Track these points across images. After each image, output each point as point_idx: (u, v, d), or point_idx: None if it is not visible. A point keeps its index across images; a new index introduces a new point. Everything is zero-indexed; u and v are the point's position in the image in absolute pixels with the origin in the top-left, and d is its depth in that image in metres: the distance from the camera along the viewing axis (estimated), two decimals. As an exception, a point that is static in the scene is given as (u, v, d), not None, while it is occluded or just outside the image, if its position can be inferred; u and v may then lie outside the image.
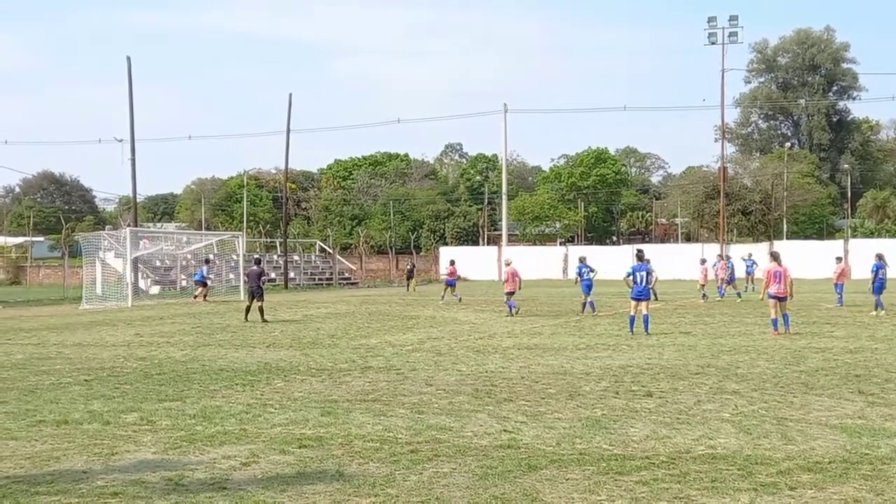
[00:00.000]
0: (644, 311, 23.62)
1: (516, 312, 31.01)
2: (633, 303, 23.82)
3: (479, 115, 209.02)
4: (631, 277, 23.87)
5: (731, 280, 41.19)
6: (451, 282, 41.09)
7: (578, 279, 32.59)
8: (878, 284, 29.96)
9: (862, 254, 68.38)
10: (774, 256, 24.30)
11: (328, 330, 26.45)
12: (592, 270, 32.69)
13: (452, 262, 42.83)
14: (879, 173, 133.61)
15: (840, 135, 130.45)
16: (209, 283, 47.38)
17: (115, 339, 24.25)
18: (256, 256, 37.25)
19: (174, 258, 57.08)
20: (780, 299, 23.36)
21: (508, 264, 33.26)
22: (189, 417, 12.16)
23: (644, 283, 23.64)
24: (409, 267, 61.32)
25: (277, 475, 9.04)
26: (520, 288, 32.10)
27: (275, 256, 68.30)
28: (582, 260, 33.02)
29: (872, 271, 30.40)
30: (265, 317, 29.87)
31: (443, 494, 8.25)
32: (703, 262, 41.60)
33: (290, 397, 13.79)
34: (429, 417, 11.90)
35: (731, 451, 9.74)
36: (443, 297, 40.16)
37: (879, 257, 30.75)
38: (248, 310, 30.54)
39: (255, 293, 30.42)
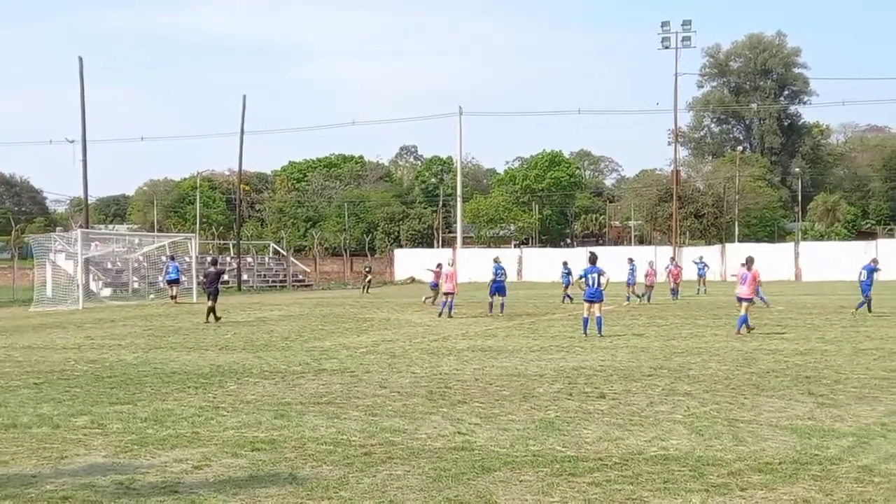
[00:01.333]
0: (597, 313, 23.70)
1: (448, 314, 31.21)
2: (587, 305, 23.89)
3: (434, 118, 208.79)
4: (583, 280, 23.94)
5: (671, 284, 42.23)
6: (435, 284, 39.95)
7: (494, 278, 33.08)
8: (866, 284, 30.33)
9: (812, 256, 69.35)
10: (747, 261, 24.79)
11: (282, 332, 26.32)
12: (571, 273, 34.53)
13: (439, 266, 41.58)
14: (829, 177, 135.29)
15: (791, 139, 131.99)
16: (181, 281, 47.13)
17: (66, 342, 23.97)
18: (214, 257, 37.14)
19: (126, 260, 56.51)
20: (741, 300, 23.95)
21: (451, 265, 33.46)
22: (140, 421, 12.04)
23: (596, 286, 23.66)
24: (366, 269, 61.31)
25: (230, 478, 8.98)
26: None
27: (228, 258, 67.86)
28: (496, 260, 33.53)
29: (866, 270, 30.69)
30: (216, 315, 30.43)
31: (396, 497, 8.23)
32: (651, 263, 41.96)
33: (243, 400, 13.71)
34: (383, 420, 11.88)
35: (683, 453, 9.80)
36: (433, 300, 38.62)
37: (875, 261, 31.19)
38: (209, 311, 30.73)
39: (212, 294, 30.91)
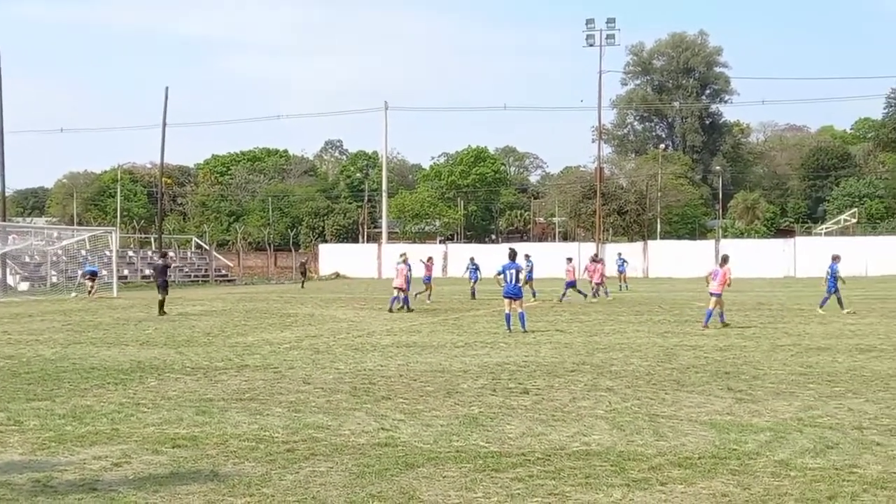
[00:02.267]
0: (518, 309, 23.85)
1: (399, 309, 31.65)
2: (507, 301, 24.01)
3: (359, 112, 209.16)
4: (502, 276, 24.06)
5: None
6: (428, 278, 39.34)
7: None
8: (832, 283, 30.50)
9: (732, 253, 70.36)
10: (722, 259, 26.45)
11: (204, 328, 26.06)
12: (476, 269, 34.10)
13: (430, 259, 40.94)
14: (749, 175, 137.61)
15: (712, 137, 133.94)
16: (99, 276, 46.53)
17: (-19, 337, 23.47)
18: (164, 251, 37.21)
19: (44, 254, 55.52)
20: (712, 295, 25.15)
21: (404, 261, 33.43)
22: (58, 417, 11.84)
23: (514, 282, 23.79)
24: (303, 261, 61.44)
25: (150, 475, 8.86)
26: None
27: (149, 253, 67.03)
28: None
29: (829, 270, 30.88)
30: (161, 311, 30.84)
31: (319, 493, 8.19)
32: (570, 260, 42.06)
33: (164, 396, 13.55)
34: (306, 416, 11.82)
35: (604, 448, 9.89)
36: (428, 296, 37.88)
37: (835, 258, 31.26)
38: (160, 304, 31.24)
39: (161, 286, 31.63)
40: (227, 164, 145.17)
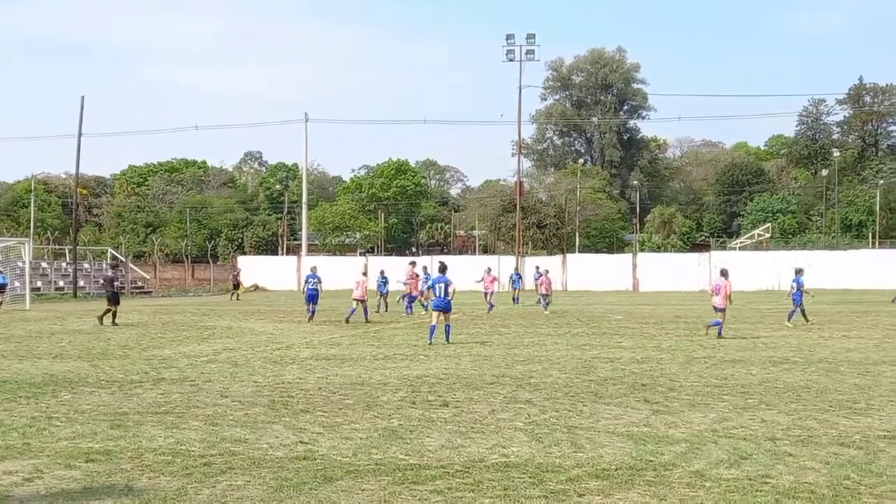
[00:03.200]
0: (445, 322, 24.17)
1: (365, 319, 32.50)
2: (435, 313, 24.34)
3: (279, 124, 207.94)
4: (431, 289, 24.46)
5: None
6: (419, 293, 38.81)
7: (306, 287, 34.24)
8: (798, 296, 30.81)
9: (649, 267, 71.36)
10: (722, 272, 27.02)
11: (119, 340, 25.64)
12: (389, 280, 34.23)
13: (425, 269, 40.63)
14: (666, 190, 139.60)
15: (630, 152, 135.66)
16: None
17: None
18: (114, 262, 36.98)
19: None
20: (716, 309, 26.12)
21: (364, 273, 34.30)
22: (-33, 432, 11.56)
23: (443, 295, 24.09)
24: (235, 273, 61.01)
25: (62, 490, 8.70)
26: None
27: (63, 264, 65.80)
28: (313, 270, 34.70)
29: (794, 284, 31.20)
30: (113, 321, 31.25)
31: (236, 508, 8.11)
32: (489, 270, 42.35)
33: (78, 410, 13.30)
34: (223, 429, 11.69)
35: (523, 460, 9.93)
36: (426, 308, 36.66)
37: (800, 271, 31.60)
38: (111, 314, 31.51)
39: (110, 298, 32.00)
40: (144, 174, 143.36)
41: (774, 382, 16.15)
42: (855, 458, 10.01)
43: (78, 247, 69.00)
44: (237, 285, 59.06)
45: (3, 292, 44.09)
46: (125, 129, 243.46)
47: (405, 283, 39.53)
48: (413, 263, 41.44)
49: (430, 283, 24.51)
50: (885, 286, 61.70)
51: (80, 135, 62.65)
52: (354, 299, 32.82)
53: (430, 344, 23.49)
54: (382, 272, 42.03)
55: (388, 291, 41.04)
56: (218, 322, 33.63)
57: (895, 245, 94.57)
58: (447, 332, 24.07)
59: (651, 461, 9.85)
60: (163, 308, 44.83)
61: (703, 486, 8.83)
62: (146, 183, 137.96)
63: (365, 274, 34.16)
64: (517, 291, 47.41)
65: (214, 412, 13.07)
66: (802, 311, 30.43)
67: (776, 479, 9.07)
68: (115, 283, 32.76)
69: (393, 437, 11.14)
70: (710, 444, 10.72)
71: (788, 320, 30.57)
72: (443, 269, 24.99)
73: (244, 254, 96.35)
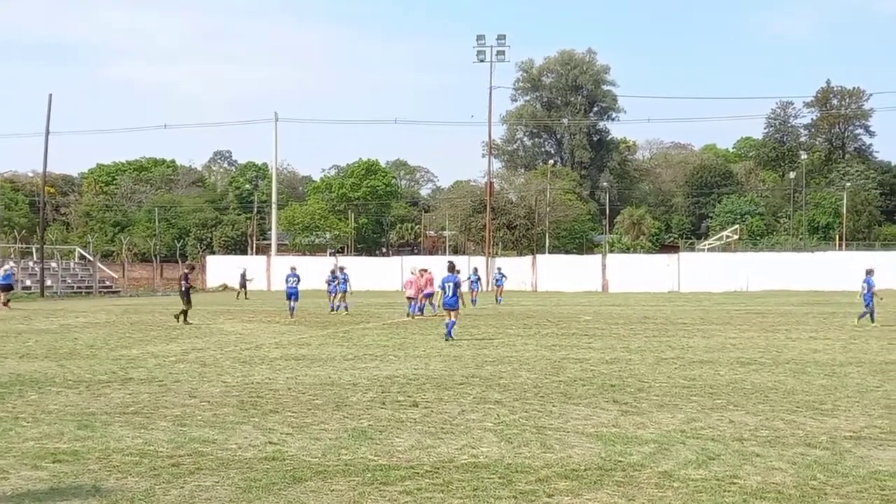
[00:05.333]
0: (453, 318, 25.14)
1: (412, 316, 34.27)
2: (446, 311, 25.40)
3: (249, 123, 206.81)
4: (441, 289, 25.94)
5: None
6: (428, 294, 38.34)
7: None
8: (868, 297, 30.83)
9: (619, 268, 71.61)
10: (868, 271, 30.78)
11: (87, 340, 25.46)
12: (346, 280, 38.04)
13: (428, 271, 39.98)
14: (636, 191, 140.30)
15: (600, 153, 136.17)
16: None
17: None
18: (190, 263, 36.97)
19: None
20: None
21: (339, 271, 37.23)
22: (-68, 433, 11.45)
23: (452, 294, 25.19)
24: (241, 272, 60.79)
25: (29, 491, 8.62)
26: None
27: (31, 263, 65.26)
28: (293, 269, 36.19)
29: (865, 284, 31.19)
30: (185, 319, 31.61)
31: (205, 509, 8.07)
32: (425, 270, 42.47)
33: (45, 410, 13.20)
34: (192, 430, 11.63)
35: (492, 460, 9.94)
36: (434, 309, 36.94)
37: (869, 272, 31.53)
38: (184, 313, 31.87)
39: (182, 296, 32.54)
40: (112, 173, 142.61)
41: (742, 383, 16.24)
42: (821, 458, 10.08)
43: (45, 246, 68.48)
44: (245, 285, 59.01)
45: (8, 291, 43.92)
46: (93, 127, 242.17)
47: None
48: (425, 271, 39.89)
49: (440, 282, 25.95)
50: (852, 288, 62.32)
51: (47, 133, 62.15)
52: (408, 297, 34.78)
53: (449, 338, 24.55)
54: (343, 269, 40.33)
55: (348, 290, 39.87)
56: (186, 321, 33.40)
57: (861, 247, 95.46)
58: (450, 328, 25.04)
59: (620, 462, 9.88)
60: (131, 308, 44.55)
61: (672, 486, 8.87)
62: (115, 182, 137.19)
63: (413, 273, 35.98)
64: (475, 293, 47.10)
65: (183, 412, 13.01)
66: (871, 313, 30.39)
67: (744, 479, 9.12)
68: (183, 283, 32.77)
69: (362, 438, 11.12)
70: (679, 445, 10.76)
71: (859, 319, 30.58)
72: (451, 268, 26.10)
73: (213, 253, 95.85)
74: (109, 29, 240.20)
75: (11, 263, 45.56)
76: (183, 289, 32.50)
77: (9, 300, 42.73)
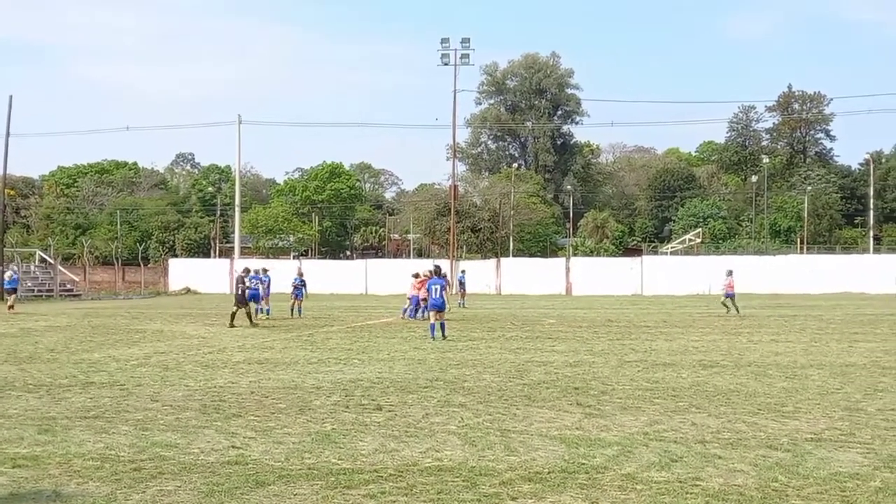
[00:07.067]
0: (441, 320, 26.00)
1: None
2: (433, 312, 26.26)
3: (212, 126, 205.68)
4: (427, 291, 26.63)
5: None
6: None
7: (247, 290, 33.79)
8: None
9: (582, 271, 71.86)
10: (728, 273, 36.96)
11: (47, 344, 25.23)
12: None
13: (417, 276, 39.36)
14: (599, 195, 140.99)
15: (564, 157, 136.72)
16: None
17: None
18: (247, 267, 35.97)
19: None
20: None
21: (262, 272, 36.03)
22: None
23: (439, 296, 25.97)
24: (241, 274, 60.02)
25: (-13, 498, 8.55)
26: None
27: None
28: (249, 272, 34.65)
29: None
30: (231, 322, 31.95)
31: (167, 513, 8.02)
32: (416, 276, 41.90)
33: (4, 415, 13.06)
34: (154, 434, 11.55)
35: (456, 463, 9.94)
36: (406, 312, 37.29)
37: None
38: (233, 316, 31.99)
39: (237, 299, 32.52)
40: (73, 176, 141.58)
41: (704, 386, 16.34)
42: (783, 460, 10.16)
43: (5, 248, 67.79)
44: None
45: (13, 293, 44.06)
46: (54, 129, 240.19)
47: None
48: (416, 275, 39.21)
49: (427, 284, 27.25)
50: (813, 291, 62.93)
51: (7, 135, 61.48)
52: (422, 299, 34.31)
53: (433, 339, 25.39)
54: (266, 271, 39.23)
55: (305, 294, 39.49)
56: (149, 325, 33.23)
57: (823, 250, 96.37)
58: (443, 329, 25.98)
59: (583, 464, 9.91)
60: (93, 311, 44.19)
61: (635, 488, 8.90)
62: (76, 184, 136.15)
63: (422, 276, 35.59)
64: (463, 294, 48.03)
65: (145, 416, 12.92)
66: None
67: (706, 481, 9.18)
68: (240, 286, 32.60)
69: (326, 442, 11.09)
70: (642, 447, 10.81)
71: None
72: (437, 271, 27.96)
73: (175, 256, 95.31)
74: (70, 28, 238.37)
75: (15, 267, 45.59)
76: (240, 292, 32.41)
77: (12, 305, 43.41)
